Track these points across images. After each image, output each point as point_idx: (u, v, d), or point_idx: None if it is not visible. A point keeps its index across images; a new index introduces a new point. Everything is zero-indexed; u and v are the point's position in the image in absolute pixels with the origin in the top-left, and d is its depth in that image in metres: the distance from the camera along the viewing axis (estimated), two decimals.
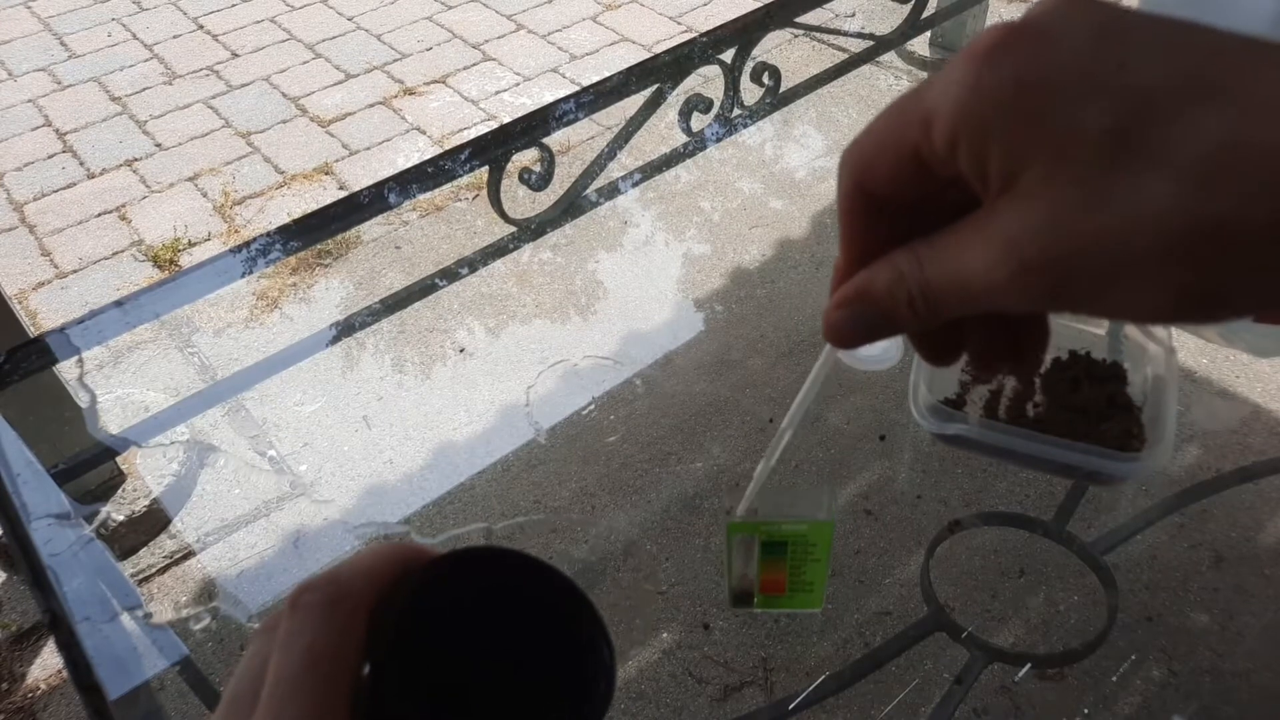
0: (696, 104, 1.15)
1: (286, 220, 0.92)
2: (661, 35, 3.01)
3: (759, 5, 1.17)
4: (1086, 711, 1.36)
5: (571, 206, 1.11)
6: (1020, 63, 0.23)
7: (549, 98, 2.07)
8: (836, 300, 0.30)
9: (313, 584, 0.26)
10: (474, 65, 2.92)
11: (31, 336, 0.80)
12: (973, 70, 0.24)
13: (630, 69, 1.07)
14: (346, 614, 0.25)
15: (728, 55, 1.15)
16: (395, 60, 2.96)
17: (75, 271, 2.27)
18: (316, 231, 0.92)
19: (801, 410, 0.33)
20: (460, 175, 0.98)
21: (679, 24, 3.06)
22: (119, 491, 1.70)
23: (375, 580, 0.26)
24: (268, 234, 0.89)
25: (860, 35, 1.38)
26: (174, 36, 3.15)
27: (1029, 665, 1.39)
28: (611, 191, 1.14)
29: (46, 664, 1.52)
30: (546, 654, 0.27)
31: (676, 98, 1.15)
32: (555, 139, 1.18)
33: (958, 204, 0.27)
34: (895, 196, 0.28)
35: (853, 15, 2.97)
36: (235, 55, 3.04)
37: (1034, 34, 0.24)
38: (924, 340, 0.32)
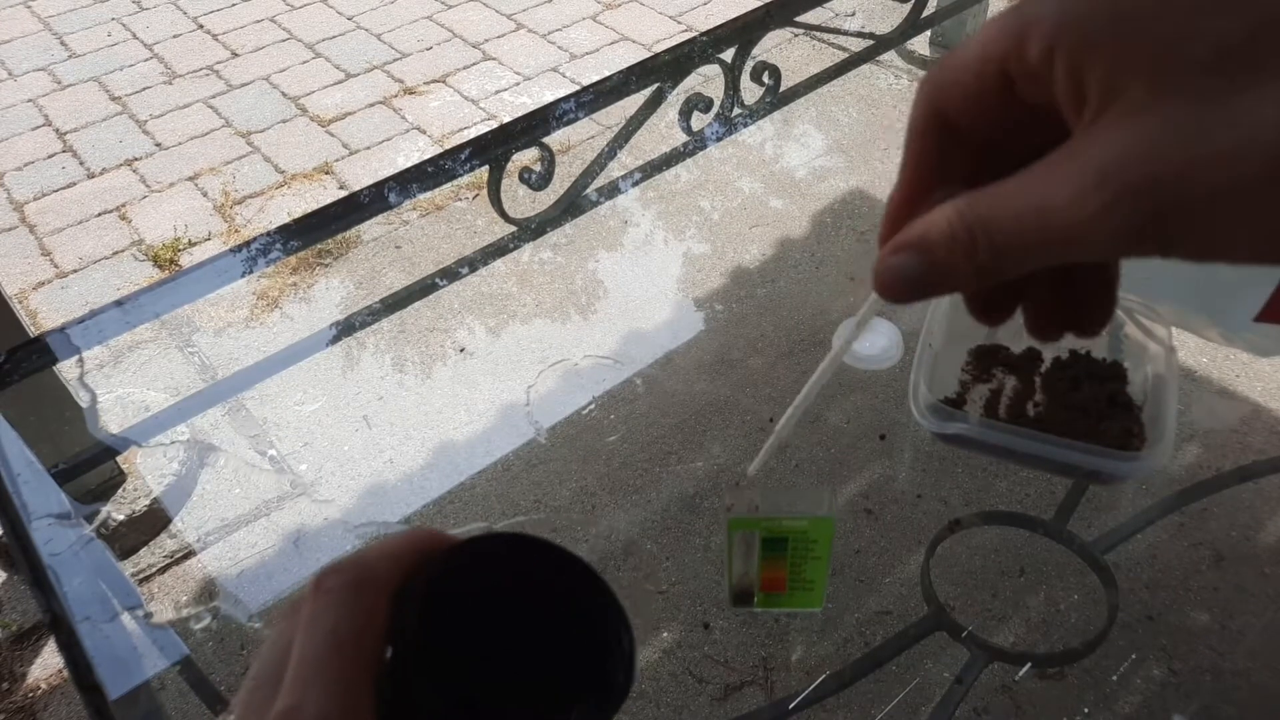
0: (696, 103, 1.15)
1: (286, 220, 0.92)
2: (661, 34, 3.01)
3: (759, 4, 1.17)
4: (1087, 711, 1.36)
5: (572, 206, 1.11)
6: None
7: (549, 97, 2.07)
8: (891, 246, 0.27)
9: (337, 567, 0.26)
10: (474, 65, 2.92)
11: (32, 336, 0.80)
12: None
13: (630, 68, 1.07)
14: (370, 598, 0.25)
15: (728, 54, 1.15)
16: (395, 60, 2.96)
17: (75, 271, 2.27)
18: (316, 231, 0.92)
19: (819, 385, 0.34)
20: (460, 175, 0.98)
21: (679, 23, 3.06)
22: (119, 491, 1.70)
23: (399, 565, 0.26)
24: (268, 233, 0.89)
25: (860, 34, 1.38)
26: (174, 36, 3.15)
27: (1029, 664, 1.39)
28: (611, 191, 1.14)
29: (47, 664, 1.52)
30: (567, 641, 0.27)
31: (676, 97, 1.15)
32: (555, 138, 1.18)
33: (1038, 149, 0.24)
34: (974, 124, 0.25)
35: (853, 14, 2.97)
36: (235, 55, 3.04)
37: None
38: (976, 295, 0.30)
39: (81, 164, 2.60)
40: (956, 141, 0.26)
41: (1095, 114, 0.22)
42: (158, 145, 2.66)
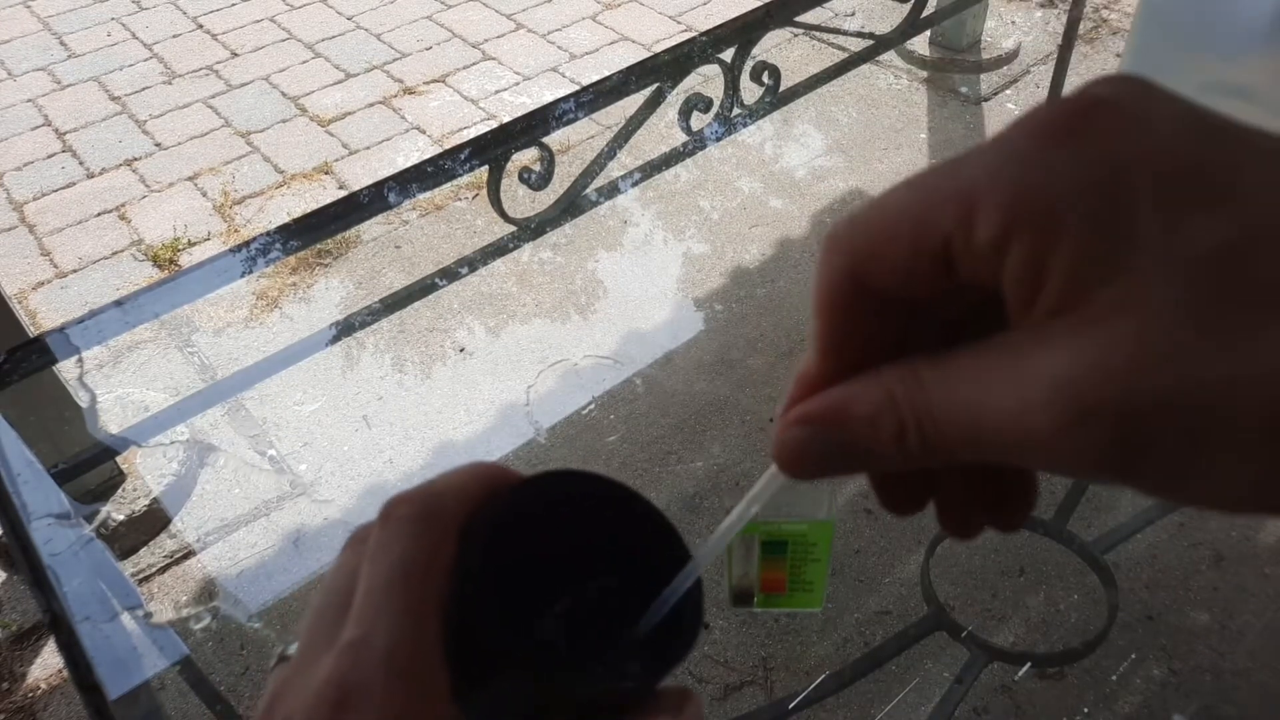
0: (696, 103, 1.15)
1: (286, 220, 0.92)
2: (661, 34, 3.01)
3: (759, 4, 1.17)
4: (1086, 710, 1.36)
5: (571, 206, 1.11)
6: (1110, 145, 0.18)
7: (549, 97, 2.07)
8: (797, 415, 0.23)
9: (405, 497, 0.26)
10: (474, 64, 2.92)
11: (31, 336, 0.80)
12: (1041, 146, 0.19)
13: (630, 68, 1.07)
14: (438, 530, 0.25)
15: (728, 54, 1.15)
16: (395, 59, 2.96)
17: (75, 271, 2.27)
18: (316, 231, 0.92)
19: (731, 532, 0.28)
20: (460, 175, 0.98)
21: (679, 23, 3.06)
22: (119, 491, 1.70)
23: (466, 497, 0.26)
24: (267, 233, 0.89)
25: (860, 34, 1.38)
26: (173, 36, 3.15)
27: (1029, 664, 1.39)
28: (611, 191, 1.14)
29: (47, 663, 1.52)
30: (636, 582, 0.27)
31: (676, 97, 1.15)
32: (555, 138, 1.18)
33: (974, 319, 0.21)
34: (898, 295, 0.21)
35: (853, 14, 2.97)
36: (235, 55, 3.04)
37: (1119, 115, 0.18)
38: (886, 481, 0.27)
39: (81, 164, 2.60)
40: (877, 309, 0.22)
41: (1052, 311, 0.18)
42: (157, 145, 2.66)
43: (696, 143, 1.19)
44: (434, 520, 0.25)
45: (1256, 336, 0.17)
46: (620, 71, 1.06)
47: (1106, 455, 0.18)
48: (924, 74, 2.71)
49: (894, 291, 0.21)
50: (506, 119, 1.61)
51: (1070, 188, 0.18)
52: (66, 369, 1.92)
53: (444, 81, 2.85)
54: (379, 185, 0.94)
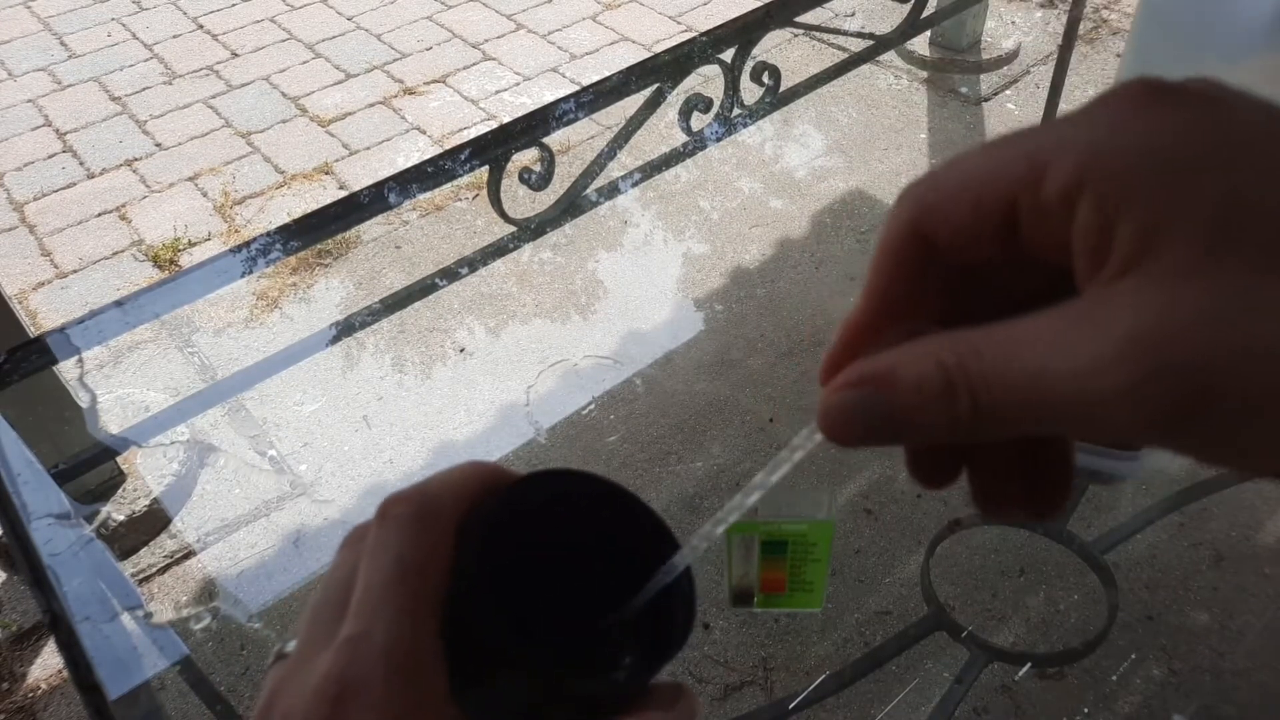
0: (696, 103, 1.15)
1: (286, 220, 0.92)
2: (661, 35, 3.01)
3: (759, 5, 1.17)
4: (1086, 711, 1.36)
5: (571, 206, 1.11)
6: (1188, 119, 0.18)
7: (549, 97, 2.07)
8: (845, 378, 0.22)
9: (402, 496, 0.26)
10: (474, 65, 2.92)
11: (31, 336, 0.80)
12: (1119, 116, 0.19)
13: (630, 69, 1.07)
14: (435, 528, 0.25)
15: (728, 55, 1.15)
16: (395, 60, 2.96)
17: (75, 271, 2.27)
18: (316, 231, 0.92)
19: (755, 490, 0.28)
20: (460, 175, 0.98)
21: (679, 24, 3.06)
22: (119, 491, 1.70)
23: (462, 496, 0.26)
24: (268, 234, 0.89)
25: (860, 35, 1.38)
26: (174, 36, 3.15)
27: (1029, 664, 1.39)
28: (611, 191, 1.15)
29: (47, 664, 1.52)
30: (629, 578, 0.27)
31: (676, 97, 1.15)
32: (555, 139, 1.18)
33: (1028, 295, 0.21)
34: (961, 255, 0.22)
35: (853, 15, 2.97)
36: (235, 55, 3.04)
37: (1196, 95, 0.19)
38: (920, 452, 0.26)
39: (81, 164, 2.60)
40: (935, 270, 0.22)
41: (1121, 270, 0.18)
42: (158, 145, 2.66)
43: (696, 143, 1.19)
44: (431, 519, 0.25)
45: None
46: (620, 72, 1.06)
47: (1176, 413, 0.18)
48: (924, 74, 2.71)
49: (955, 250, 0.22)
50: (507, 119, 1.61)
51: (1144, 151, 0.18)
52: (67, 369, 1.92)
53: (444, 82, 2.85)
54: (379, 185, 0.94)
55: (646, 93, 1.10)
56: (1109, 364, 0.18)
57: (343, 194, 1.52)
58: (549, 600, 0.27)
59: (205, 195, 2.47)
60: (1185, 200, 0.18)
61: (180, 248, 2.31)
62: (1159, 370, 0.17)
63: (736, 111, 1.20)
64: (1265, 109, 0.19)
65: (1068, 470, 0.25)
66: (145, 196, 2.48)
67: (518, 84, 2.83)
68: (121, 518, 1.66)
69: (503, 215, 1.05)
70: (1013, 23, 2.88)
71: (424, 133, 2.65)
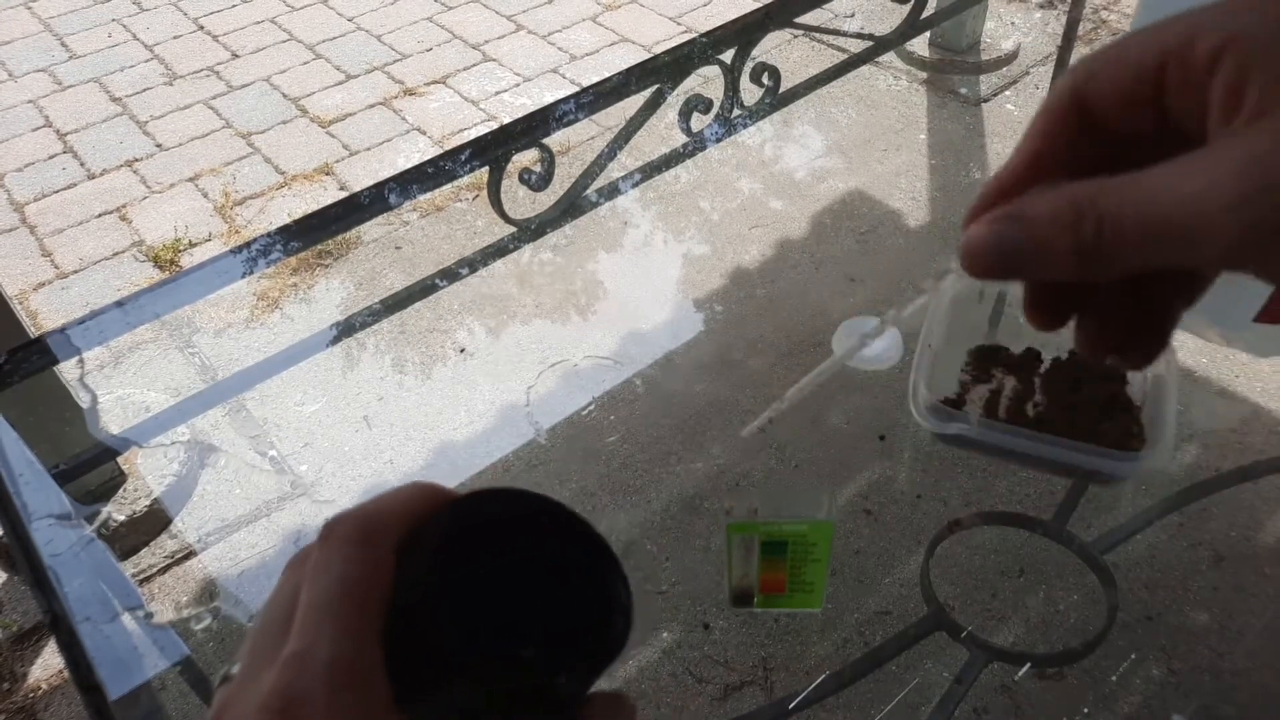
0: (696, 104, 1.15)
1: (287, 220, 0.92)
2: (661, 35, 3.01)
3: (759, 5, 1.17)
4: (1086, 711, 1.36)
5: (571, 207, 1.11)
6: None
7: (549, 98, 2.07)
8: (987, 216, 0.25)
9: (344, 517, 0.27)
10: (474, 66, 2.93)
11: (32, 337, 0.80)
12: (1252, 4, 0.22)
13: (630, 69, 1.07)
14: (377, 547, 0.26)
15: (727, 55, 1.15)
16: (395, 61, 2.96)
17: (76, 272, 2.27)
18: (317, 232, 0.92)
19: (831, 369, 0.31)
20: (460, 175, 0.98)
21: (679, 24, 3.06)
22: (120, 491, 1.70)
23: (403, 516, 0.27)
24: (268, 234, 0.89)
25: (860, 35, 1.38)
26: (174, 37, 3.15)
27: (1029, 665, 1.39)
28: (611, 192, 1.15)
29: (48, 664, 1.52)
30: (566, 591, 0.28)
31: (676, 98, 1.15)
32: (555, 139, 1.18)
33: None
34: (1113, 119, 0.24)
35: (852, 15, 2.97)
36: (235, 56, 3.04)
37: None
38: (1038, 292, 0.28)
39: (82, 165, 2.60)
40: (1087, 134, 0.25)
41: (1246, 121, 0.22)
42: (158, 146, 2.66)
43: (696, 144, 1.19)
44: (372, 539, 0.26)
45: None
46: (620, 73, 1.06)
47: (1274, 226, 0.20)
48: (924, 75, 2.71)
49: (1108, 114, 0.24)
50: (507, 120, 1.61)
51: (1273, 27, 0.21)
52: (67, 369, 1.93)
53: (444, 83, 2.86)
54: (379, 186, 0.94)
55: (646, 93, 1.10)
56: (1221, 183, 0.21)
57: (343, 194, 1.51)
58: (489, 614, 0.28)
59: (206, 196, 2.47)
60: None
61: (181, 248, 2.31)
62: (1263, 187, 0.20)
63: (736, 112, 1.20)
64: None
65: (1167, 324, 0.28)
66: (146, 197, 2.48)
67: (518, 85, 2.83)
68: (122, 518, 1.66)
69: (503, 216, 1.05)
70: (1012, 23, 2.88)
71: (424, 133, 2.65)
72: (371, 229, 2.30)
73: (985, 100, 2.61)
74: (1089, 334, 0.29)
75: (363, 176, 2.50)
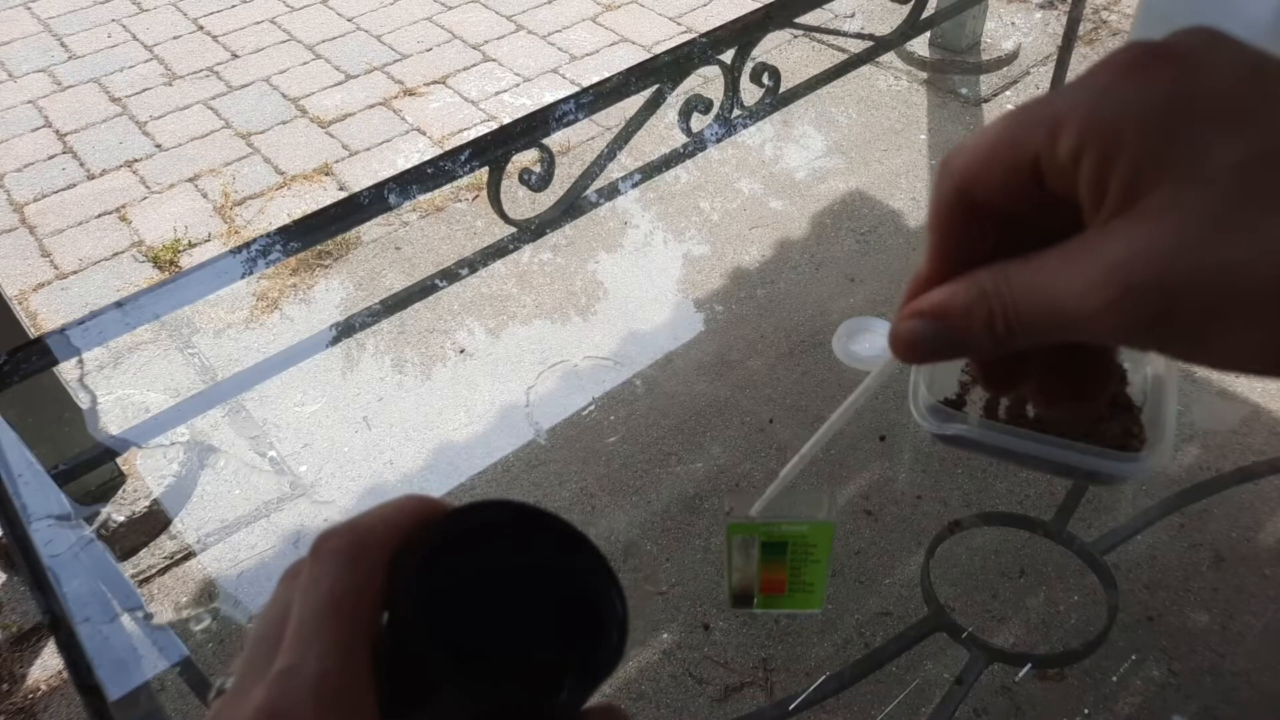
0: (696, 104, 1.15)
1: (286, 221, 0.92)
2: (661, 36, 3.01)
3: (759, 5, 1.17)
4: (1087, 711, 1.36)
5: (571, 207, 1.11)
6: (1168, 81, 0.23)
7: (549, 98, 2.07)
8: (909, 311, 0.28)
9: (334, 531, 0.27)
10: (474, 66, 2.93)
11: (32, 337, 0.80)
12: (1114, 80, 0.23)
13: (630, 69, 1.07)
14: (368, 561, 0.26)
15: (728, 56, 1.15)
16: (395, 61, 2.96)
17: (75, 272, 2.27)
18: (316, 232, 0.92)
19: (843, 420, 0.35)
20: (460, 176, 0.98)
21: (679, 24, 3.06)
22: (119, 492, 1.70)
23: (395, 529, 0.27)
24: (268, 235, 0.89)
25: (860, 36, 1.38)
26: (174, 37, 3.15)
27: (1029, 665, 1.39)
28: (611, 192, 1.15)
29: (47, 665, 1.52)
30: (560, 604, 0.28)
31: (676, 98, 1.15)
32: (555, 139, 1.18)
33: (1059, 231, 0.25)
34: (1000, 208, 0.26)
35: (852, 15, 2.97)
36: (235, 56, 3.04)
37: (1181, 57, 0.23)
38: (987, 367, 0.32)
39: (81, 165, 2.60)
40: (982, 221, 0.27)
41: (1113, 212, 0.23)
42: (158, 146, 2.66)
43: (696, 144, 1.19)
44: (363, 552, 0.26)
45: (1262, 229, 0.21)
46: (620, 73, 1.06)
47: (1146, 323, 0.22)
48: (924, 75, 2.71)
49: (994, 205, 0.26)
50: (506, 120, 1.61)
51: (1132, 113, 0.22)
52: (67, 370, 1.93)
53: (444, 83, 2.85)
54: (379, 186, 0.94)
55: (646, 94, 1.10)
56: (1096, 286, 0.23)
57: (343, 195, 1.52)
58: (482, 628, 0.28)
59: (205, 196, 2.47)
60: (1158, 158, 0.22)
61: (180, 249, 2.31)
62: (1129, 289, 0.22)
63: (736, 112, 1.20)
64: (1244, 60, 0.23)
65: (1108, 362, 0.31)
66: (145, 197, 2.48)
67: (518, 85, 2.83)
68: (121, 519, 1.66)
69: (502, 216, 1.05)
70: (1012, 24, 2.88)
71: (424, 134, 2.65)
72: (371, 229, 2.30)
73: (985, 100, 2.61)
74: (1040, 389, 0.32)
75: (362, 177, 2.50)
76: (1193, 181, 0.22)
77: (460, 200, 2.40)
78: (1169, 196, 0.22)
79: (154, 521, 1.69)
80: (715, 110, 1.18)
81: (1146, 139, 0.22)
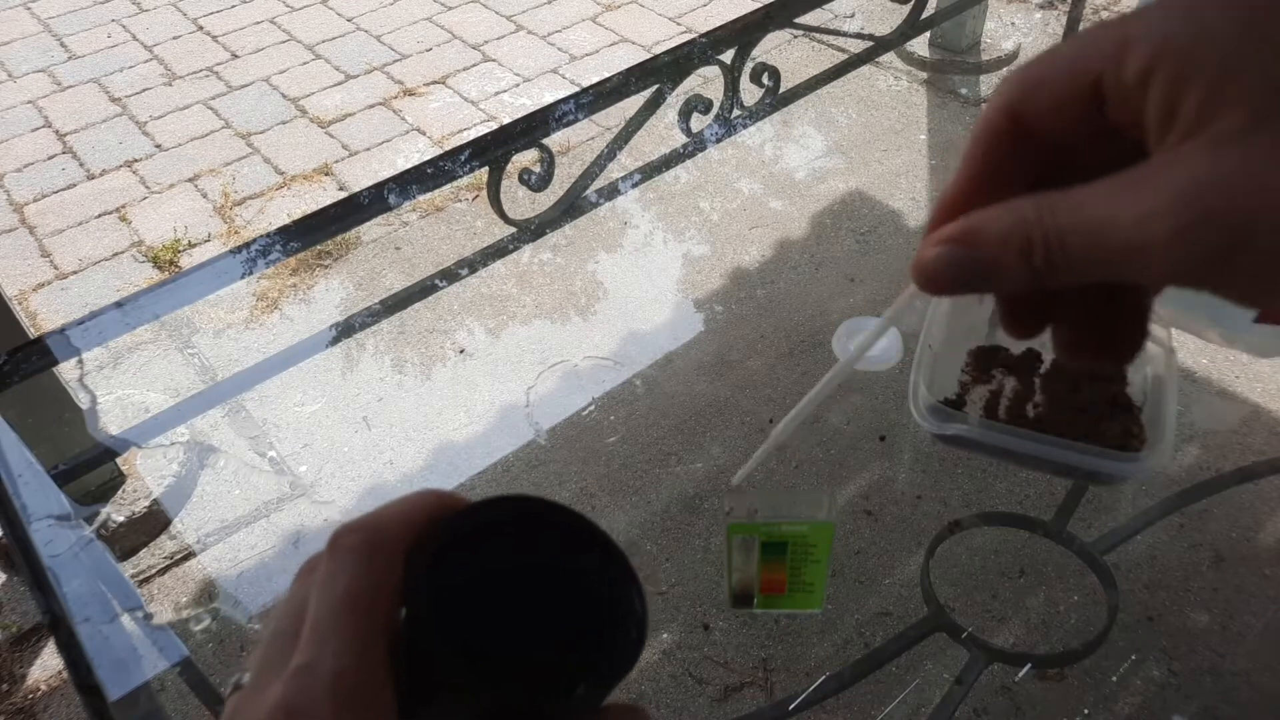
0: (696, 104, 1.15)
1: (286, 221, 0.92)
2: (661, 36, 3.01)
3: (759, 5, 1.17)
4: (1087, 711, 1.36)
5: (571, 207, 1.11)
6: (1245, 5, 0.21)
7: (549, 98, 2.07)
8: (937, 237, 0.25)
9: (351, 527, 0.26)
10: (474, 66, 2.92)
11: (32, 337, 0.80)
12: (1189, 2, 0.21)
13: (630, 69, 1.07)
14: (384, 557, 0.26)
15: (727, 56, 1.15)
16: (395, 61, 2.96)
17: (75, 272, 2.27)
18: (316, 232, 0.92)
19: (824, 393, 0.31)
20: (460, 176, 0.98)
21: (679, 24, 3.06)
22: (119, 492, 1.70)
23: (411, 524, 0.27)
24: (267, 235, 0.89)
25: (860, 36, 1.38)
26: (174, 37, 3.15)
27: (1029, 665, 1.39)
28: (611, 192, 1.14)
29: (47, 665, 1.52)
30: (578, 600, 0.28)
31: (676, 98, 1.15)
32: (555, 140, 1.18)
33: (1113, 170, 0.23)
34: (1052, 133, 0.24)
35: (852, 15, 2.97)
36: (235, 56, 3.04)
37: None
38: (1012, 305, 0.29)
39: (81, 165, 2.60)
40: (1028, 147, 0.25)
41: (1182, 137, 0.21)
42: (157, 146, 2.66)
43: (696, 144, 1.19)
44: (379, 548, 0.26)
45: None
46: (620, 73, 1.06)
47: (1216, 256, 0.20)
48: (924, 75, 2.71)
49: (1046, 129, 0.24)
50: (506, 120, 1.61)
51: (1207, 33, 0.21)
52: (67, 370, 1.92)
53: (444, 83, 2.85)
54: (379, 186, 0.94)
55: (646, 94, 1.10)
56: (1161, 211, 0.21)
57: (342, 195, 1.51)
58: (499, 624, 0.27)
59: (205, 196, 2.47)
60: (1238, 79, 0.20)
61: (180, 249, 2.31)
62: (1201, 218, 0.20)
63: (736, 113, 1.20)
64: None
65: (1142, 321, 0.28)
66: (145, 197, 2.48)
67: (517, 85, 2.83)
68: (121, 519, 1.66)
69: (502, 216, 1.05)
70: (1012, 24, 2.88)
71: (424, 134, 2.65)
72: (371, 229, 2.30)
73: (985, 100, 2.61)
74: (1066, 338, 0.29)
75: (362, 177, 2.50)
76: (1273, 107, 0.20)
77: (460, 200, 2.40)
78: (1247, 121, 0.20)
79: (154, 521, 1.69)
80: (715, 110, 1.17)
81: (1225, 59, 0.21)
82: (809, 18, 1.22)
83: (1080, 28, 1.85)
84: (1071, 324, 0.29)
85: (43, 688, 1.50)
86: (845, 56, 1.38)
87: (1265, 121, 0.20)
